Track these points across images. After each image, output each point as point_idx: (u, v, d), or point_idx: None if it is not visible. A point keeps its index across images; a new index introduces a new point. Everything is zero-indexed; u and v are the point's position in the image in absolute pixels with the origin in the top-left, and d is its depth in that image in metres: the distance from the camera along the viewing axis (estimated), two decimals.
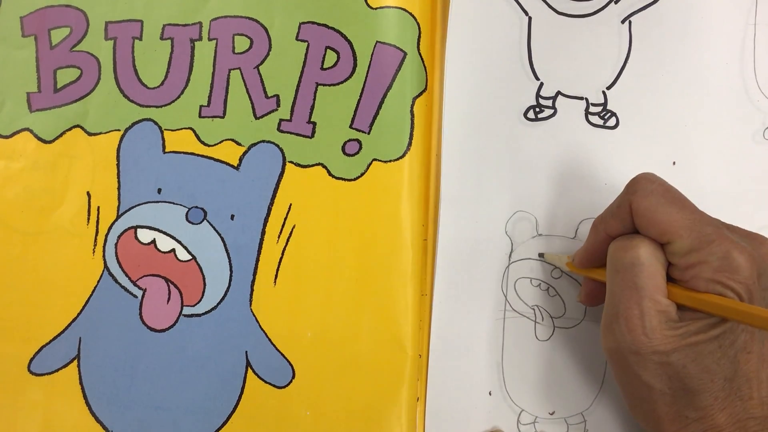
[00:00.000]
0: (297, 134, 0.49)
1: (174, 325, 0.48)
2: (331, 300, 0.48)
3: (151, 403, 0.48)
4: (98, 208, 0.49)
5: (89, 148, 0.49)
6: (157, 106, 0.49)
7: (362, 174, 0.49)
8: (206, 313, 0.48)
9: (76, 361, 0.48)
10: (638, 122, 0.49)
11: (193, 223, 0.49)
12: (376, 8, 0.49)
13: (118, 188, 0.49)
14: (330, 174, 0.49)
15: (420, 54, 0.49)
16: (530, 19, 0.50)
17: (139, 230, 0.49)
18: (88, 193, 0.49)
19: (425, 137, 0.49)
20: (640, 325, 0.38)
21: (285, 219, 0.49)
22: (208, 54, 0.50)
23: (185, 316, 0.48)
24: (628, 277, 0.38)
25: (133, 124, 0.49)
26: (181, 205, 0.49)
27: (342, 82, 0.49)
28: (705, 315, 0.37)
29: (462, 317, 0.48)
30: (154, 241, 0.49)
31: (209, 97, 0.49)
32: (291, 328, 0.48)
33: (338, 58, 0.49)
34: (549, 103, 0.50)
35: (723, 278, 0.37)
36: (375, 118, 0.49)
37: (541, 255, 0.49)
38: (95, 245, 0.49)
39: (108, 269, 0.49)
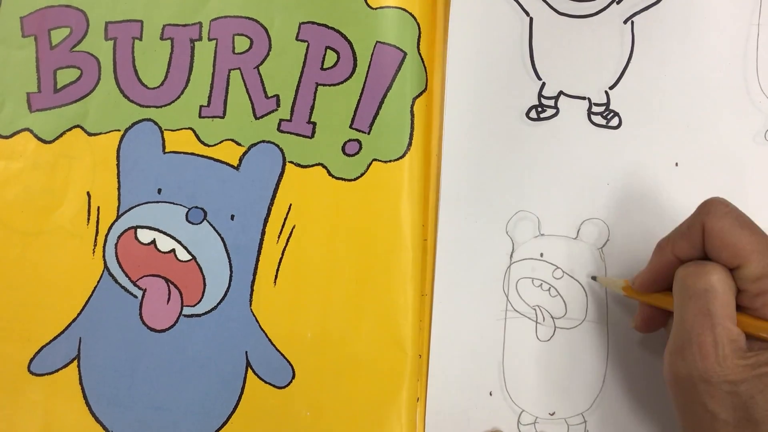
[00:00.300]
0: (297, 134, 0.49)
1: (174, 325, 0.48)
2: (331, 300, 0.48)
3: (151, 403, 0.48)
4: (98, 208, 0.49)
5: (89, 148, 0.49)
6: (157, 107, 0.49)
7: (362, 174, 0.49)
8: (206, 313, 0.48)
9: (76, 362, 0.48)
10: (641, 122, 0.49)
11: (193, 224, 0.49)
12: (376, 8, 0.49)
13: (118, 188, 0.49)
14: (330, 174, 0.49)
15: (420, 54, 0.49)
16: (531, 19, 0.49)
17: (139, 230, 0.49)
18: (88, 193, 0.49)
19: (425, 137, 0.49)
20: (713, 353, 0.37)
21: (285, 219, 0.49)
22: (208, 54, 0.50)
23: (185, 316, 0.48)
24: (701, 304, 0.38)
25: (133, 124, 0.49)
26: (181, 205, 0.49)
27: (342, 82, 0.49)
28: None
29: (462, 317, 0.48)
30: (154, 242, 0.49)
31: (209, 97, 0.49)
32: (291, 328, 0.48)
33: (338, 58, 0.49)
34: (551, 102, 0.49)
35: None
36: (375, 118, 0.49)
37: (593, 278, 0.48)
38: (95, 245, 0.49)
39: (108, 269, 0.49)
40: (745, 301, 0.38)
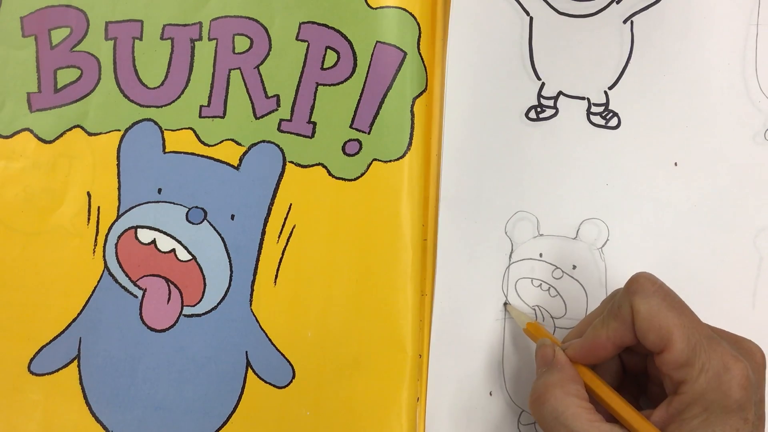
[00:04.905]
0: (297, 134, 0.49)
1: (174, 325, 0.48)
2: (331, 300, 0.48)
3: (151, 403, 0.48)
4: (98, 208, 0.49)
5: (89, 148, 0.49)
6: (157, 106, 0.49)
7: (362, 174, 0.49)
8: (206, 313, 0.48)
9: (76, 361, 0.48)
10: (640, 122, 0.49)
11: (193, 223, 0.49)
12: (376, 8, 0.49)
13: (119, 188, 0.49)
14: (330, 174, 0.49)
15: (420, 54, 0.49)
16: (531, 19, 0.49)
17: (139, 230, 0.49)
18: (89, 193, 0.49)
19: (425, 137, 0.49)
20: None
21: (285, 219, 0.49)
22: (209, 54, 0.50)
23: (185, 316, 0.48)
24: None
25: (134, 124, 0.49)
26: (181, 205, 0.49)
27: (342, 82, 0.49)
28: None
29: (462, 317, 0.48)
30: (154, 241, 0.49)
31: (209, 97, 0.49)
32: (291, 328, 0.48)
33: (338, 58, 0.49)
34: (550, 103, 0.49)
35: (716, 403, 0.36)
36: (375, 118, 0.49)
37: (505, 305, 0.48)
38: (95, 245, 0.49)
39: (108, 269, 0.49)
40: (669, 389, 0.38)
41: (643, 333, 0.38)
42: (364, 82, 0.49)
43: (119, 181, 0.49)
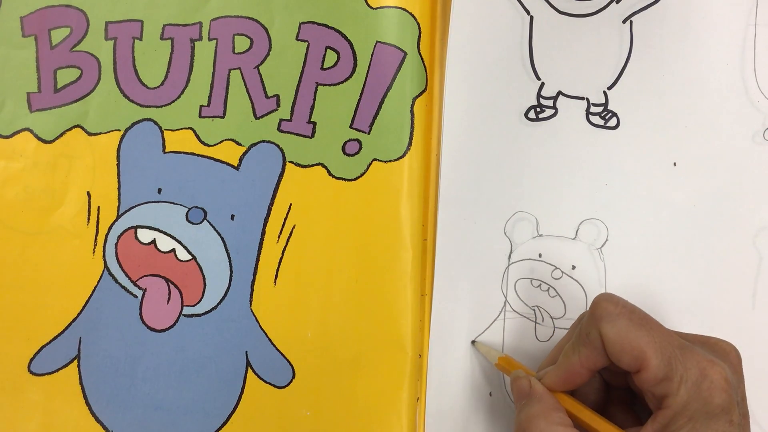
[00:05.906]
0: (297, 134, 0.49)
1: (174, 325, 0.48)
2: (331, 300, 0.48)
3: (151, 403, 0.48)
4: (98, 208, 0.49)
5: (89, 148, 0.49)
6: (157, 106, 0.49)
7: (362, 174, 0.49)
8: (206, 313, 0.48)
9: (76, 361, 0.48)
10: (639, 123, 0.49)
11: (193, 223, 0.49)
12: (376, 8, 0.49)
13: (119, 188, 0.49)
14: (330, 174, 0.49)
15: (420, 54, 0.49)
16: (532, 18, 0.50)
17: (139, 230, 0.49)
18: (88, 193, 0.49)
19: (425, 137, 0.49)
20: None
21: (285, 219, 0.49)
22: (208, 54, 0.50)
23: (185, 316, 0.48)
24: None
25: (133, 124, 0.49)
26: (181, 205, 0.49)
27: (342, 82, 0.49)
28: None
29: (462, 317, 0.48)
30: (154, 241, 0.49)
31: (209, 97, 0.49)
32: (291, 328, 0.48)
33: (338, 58, 0.49)
34: (550, 103, 0.50)
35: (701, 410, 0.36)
36: (375, 118, 0.49)
37: (473, 342, 0.48)
38: (95, 245, 0.49)
39: (108, 269, 0.49)
40: (652, 404, 0.38)
41: (616, 357, 0.38)
42: (364, 82, 0.49)
43: (119, 181, 0.49)
